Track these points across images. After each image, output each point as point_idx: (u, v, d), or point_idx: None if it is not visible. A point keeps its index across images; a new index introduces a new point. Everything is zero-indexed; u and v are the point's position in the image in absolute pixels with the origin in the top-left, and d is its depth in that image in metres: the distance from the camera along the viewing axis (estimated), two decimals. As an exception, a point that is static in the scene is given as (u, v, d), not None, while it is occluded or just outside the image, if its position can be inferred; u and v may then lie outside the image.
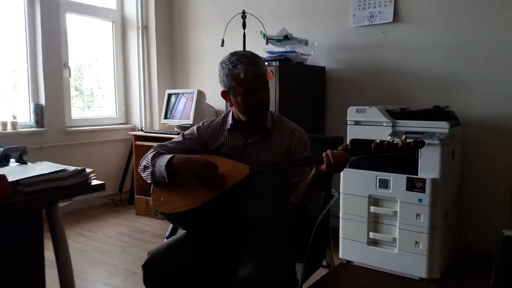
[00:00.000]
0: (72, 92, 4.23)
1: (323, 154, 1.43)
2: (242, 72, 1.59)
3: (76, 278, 1.93)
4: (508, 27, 2.81)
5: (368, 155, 1.49)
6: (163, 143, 1.78)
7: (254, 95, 1.61)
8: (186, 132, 1.82)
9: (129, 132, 4.38)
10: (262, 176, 1.67)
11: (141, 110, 4.61)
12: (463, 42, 2.98)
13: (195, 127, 1.82)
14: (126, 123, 4.69)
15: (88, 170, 1.62)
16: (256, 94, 1.61)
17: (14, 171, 1.57)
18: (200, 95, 3.96)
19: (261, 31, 3.39)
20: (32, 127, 3.81)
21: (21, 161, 1.81)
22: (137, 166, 3.47)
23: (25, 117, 3.83)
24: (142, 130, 4.37)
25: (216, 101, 4.13)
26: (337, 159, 1.41)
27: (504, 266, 1.16)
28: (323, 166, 1.44)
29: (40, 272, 1.62)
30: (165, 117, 4.18)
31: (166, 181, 1.62)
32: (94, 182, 1.63)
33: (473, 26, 2.93)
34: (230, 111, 1.79)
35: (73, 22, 4.19)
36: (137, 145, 4.07)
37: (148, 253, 1.55)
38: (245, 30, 3.47)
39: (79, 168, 1.58)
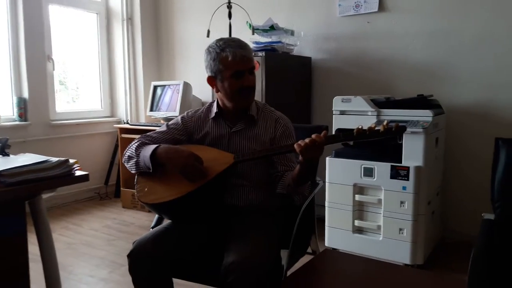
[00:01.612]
0: (57, 86, 4.17)
1: (295, 145, 1.43)
2: (230, 54, 1.59)
3: (62, 271, 1.93)
4: (491, 15, 2.84)
5: (351, 141, 1.51)
6: (148, 133, 1.77)
7: (241, 79, 1.62)
8: (170, 122, 1.81)
9: (115, 125, 4.34)
10: (247, 165, 1.67)
11: (127, 103, 4.57)
12: (446, 30, 3.01)
13: (179, 117, 1.81)
14: (112, 116, 4.64)
15: (71, 161, 1.61)
16: (243, 78, 1.62)
17: (-5, 163, 1.55)
18: (186, 86, 3.94)
19: (247, 22, 3.37)
20: (15, 120, 3.74)
21: (3, 153, 1.78)
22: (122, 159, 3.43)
23: (8, 111, 3.77)
24: (127, 123, 4.34)
25: (202, 92, 4.11)
26: (307, 144, 1.40)
27: (482, 248, 1.19)
28: (300, 157, 1.44)
29: (24, 265, 1.61)
30: (151, 110, 4.15)
31: (151, 171, 1.61)
32: (78, 173, 1.62)
33: (457, 14, 2.96)
34: (215, 101, 1.79)
35: (56, 14, 4.12)
36: (123, 138, 4.04)
37: (133, 243, 1.55)
38: (231, 21, 3.45)
39: (62, 159, 1.57)
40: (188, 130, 1.77)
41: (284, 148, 1.61)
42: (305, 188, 1.63)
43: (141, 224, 3.55)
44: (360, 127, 1.46)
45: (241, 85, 1.62)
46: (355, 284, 1.44)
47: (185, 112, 1.83)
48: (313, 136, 1.42)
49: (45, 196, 1.71)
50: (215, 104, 1.76)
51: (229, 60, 1.60)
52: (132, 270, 1.51)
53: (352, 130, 1.47)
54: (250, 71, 1.65)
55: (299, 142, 1.43)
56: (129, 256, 1.51)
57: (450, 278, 1.41)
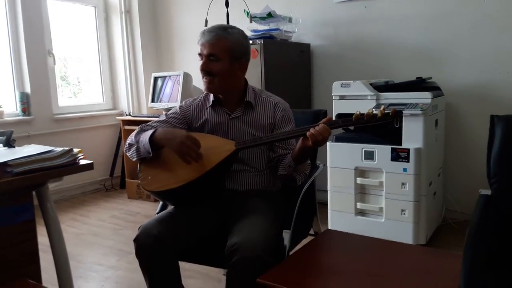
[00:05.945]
0: (59, 81, 4.20)
1: (308, 134, 1.49)
2: (200, 38, 1.67)
3: (72, 260, 1.97)
4: (488, -3, 2.84)
5: (349, 126, 1.54)
6: (147, 123, 1.80)
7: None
8: (169, 112, 1.84)
9: (117, 117, 4.38)
10: (248, 150, 1.71)
11: (128, 95, 4.61)
12: (444, 12, 3.01)
13: (177, 107, 1.85)
14: (114, 108, 4.68)
15: (75, 150, 1.64)
16: (202, 62, 1.68)
17: (2, 154, 1.59)
18: (187, 77, 3.96)
19: (245, 10, 3.38)
20: (19, 115, 3.79)
21: (9, 145, 1.82)
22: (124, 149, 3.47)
23: (11, 106, 3.81)
24: (130, 115, 4.38)
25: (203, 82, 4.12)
26: (321, 135, 1.48)
27: (477, 224, 1.22)
28: (309, 142, 1.49)
29: (34, 251, 1.65)
30: (152, 101, 4.17)
31: (151, 155, 1.64)
32: (83, 161, 1.65)
33: (454, -4, 2.96)
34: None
35: (55, 9, 4.13)
36: (126, 130, 4.08)
37: (139, 228, 1.59)
38: (228, 9, 3.45)
39: (66, 148, 1.61)
40: (187, 118, 1.80)
41: (287, 134, 1.64)
42: (306, 166, 1.67)
43: (147, 213, 3.60)
44: (358, 112, 1.50)
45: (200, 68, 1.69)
46: (357, 260, 1.48)
47: (183, 102, 1.86)
48: (322, 128, 1.48)
49: (51, 185, 1.75)
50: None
51: (199, 44, 1.68)
52: (139, 254, 1.54)
53: (351, 114, 1.51)
54: (208, 55, 1.65)
55: (312, 131, 1.48)
56: (135, 240, 1.55)
57: (451, 254, 1.45)
